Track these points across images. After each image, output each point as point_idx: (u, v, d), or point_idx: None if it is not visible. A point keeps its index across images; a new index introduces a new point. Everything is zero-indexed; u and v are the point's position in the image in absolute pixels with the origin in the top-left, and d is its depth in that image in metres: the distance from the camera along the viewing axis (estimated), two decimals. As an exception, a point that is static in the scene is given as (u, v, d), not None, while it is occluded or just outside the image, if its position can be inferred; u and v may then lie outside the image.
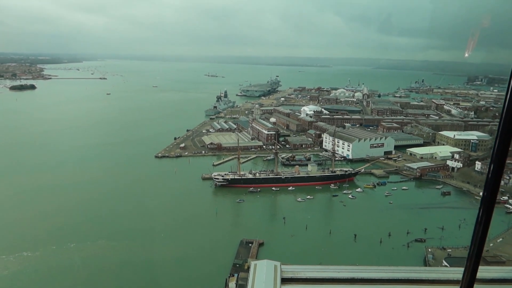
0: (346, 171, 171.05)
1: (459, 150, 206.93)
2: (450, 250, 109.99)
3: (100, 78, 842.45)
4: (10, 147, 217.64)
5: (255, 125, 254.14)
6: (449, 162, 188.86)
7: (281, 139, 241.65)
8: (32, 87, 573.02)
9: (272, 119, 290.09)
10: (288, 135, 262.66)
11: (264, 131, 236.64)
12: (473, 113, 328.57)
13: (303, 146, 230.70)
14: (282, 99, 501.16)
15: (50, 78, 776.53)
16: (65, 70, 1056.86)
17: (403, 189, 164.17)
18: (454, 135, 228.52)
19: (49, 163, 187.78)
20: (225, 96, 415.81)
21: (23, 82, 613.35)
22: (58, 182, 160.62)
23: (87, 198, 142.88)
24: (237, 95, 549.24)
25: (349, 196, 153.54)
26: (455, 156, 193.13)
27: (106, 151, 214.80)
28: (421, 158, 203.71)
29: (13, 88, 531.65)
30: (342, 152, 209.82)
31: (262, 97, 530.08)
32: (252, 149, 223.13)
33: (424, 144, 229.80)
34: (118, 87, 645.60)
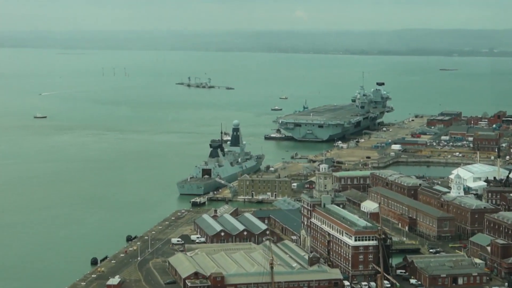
0: None
1: None
2: None
3: None
4: None
5: (318, 222, 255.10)
6: None
7: (395, 260, 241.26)
8: None
9: (370, 204, 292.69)
10: (417, 249, 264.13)
11: (346, 239, 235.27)
12: None
13: (461, 280, 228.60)
14: (396, 148, 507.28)
15: None
16: None
17: None
18: None
19: None
20: (235, 141, 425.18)
21: None
22: None
23: None
24: (266, 137, 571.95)
25: None
26: None
27: None
28: None
29: None
30: None
31: (339, 142, 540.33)
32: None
33: None
34: None
